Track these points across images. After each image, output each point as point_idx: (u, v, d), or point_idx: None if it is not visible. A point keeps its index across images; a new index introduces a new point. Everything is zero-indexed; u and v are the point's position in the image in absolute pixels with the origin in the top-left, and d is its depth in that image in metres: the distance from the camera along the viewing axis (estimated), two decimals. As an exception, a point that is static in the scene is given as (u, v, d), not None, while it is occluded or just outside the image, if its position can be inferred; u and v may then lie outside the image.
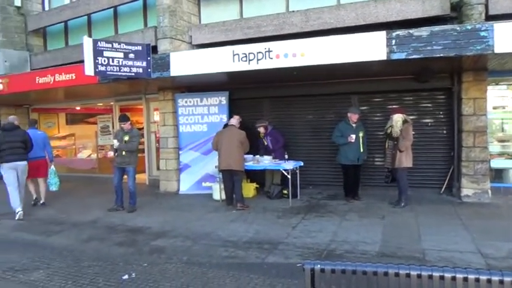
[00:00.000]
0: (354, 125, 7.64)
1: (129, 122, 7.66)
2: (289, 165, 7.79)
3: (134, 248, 5.38)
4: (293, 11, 8.89)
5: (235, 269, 4.47)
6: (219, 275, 4.31)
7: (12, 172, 7.15)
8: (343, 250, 4.98)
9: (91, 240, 5.83)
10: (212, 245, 5.38)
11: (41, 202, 8.39)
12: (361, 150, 7.58)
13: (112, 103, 11.87)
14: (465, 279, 2.05)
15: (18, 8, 12.75)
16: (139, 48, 8.17)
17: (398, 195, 7.28)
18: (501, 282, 1.98)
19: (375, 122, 8.68)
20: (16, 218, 7.08)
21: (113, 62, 7.81)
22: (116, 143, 7.54)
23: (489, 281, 2.01)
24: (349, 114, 7.71)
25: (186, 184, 9.48)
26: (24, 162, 7.36)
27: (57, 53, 12.24)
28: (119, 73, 7.91)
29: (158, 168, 10.40)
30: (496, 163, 8.06)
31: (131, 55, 8.03)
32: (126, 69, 7.96)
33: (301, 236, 5.65)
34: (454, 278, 2.07)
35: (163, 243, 5.54)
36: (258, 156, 8.25)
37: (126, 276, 4.37)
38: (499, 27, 5.95)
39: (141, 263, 4.77)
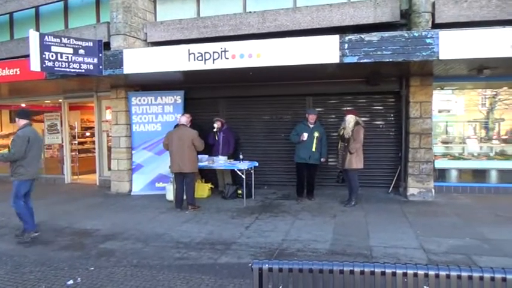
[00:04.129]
0: (311, 126, 7.79)
1: (22, 120, 5.84)
2: (244, 165, 7.80)
3: (81, 252, 5.16)
4: (250, 12, 8.91)
5: (187, 271, 4.40)
6: (169, 277, 4.23)
7: None
8: (295, 249, 5.05)
9: (34, 245, 5.52)
10: (164, 247, 5.27)
11: None
12: (313, 149, 7.71)
13: (61, 100, 11.36)
14: (404, 274, 2.13)
15: (-43, -3, 11.88)
16: (90, 44, 7.88)
17: (349, 194, 7.50)
18: (437, 276, 2.09)
19: (329, 124, 8.87)
20: None
21: (61, 57, 7.47)
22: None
23: (426, 275, 2.11)
24: (307, 115, 7.90)
25: (139, 185, 9.24)
26: None
27: (0, 47, 11.52)
28: (68, 69, 7.58)
29: (109, 169, 10.06)
30: (440, 163, 8.51)
31: (81, 51, 7.72)
32: (76, 65, 7.64)
33: (254, 235, 5.67)
34: (394, 274, 2.15)
35: (112, 246, 5.35)
36: (213, 156, 8.22)
37: (70, 282, 4.18)
38: (443, 35, 6.29)
39: (88, 267, 4.57)
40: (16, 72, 8.64)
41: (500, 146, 8.64)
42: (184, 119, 7.69)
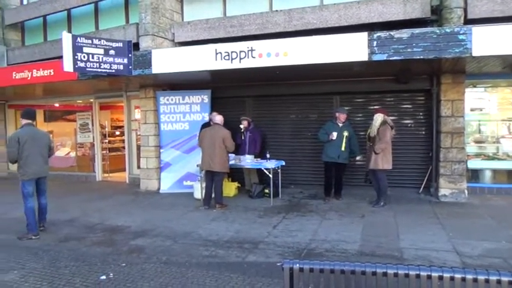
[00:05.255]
0: (340, 125, 7.71)
1: (23, 120, 6.03)
2: (271, 164, 7.79)
3: (113, 248, 5.29)
4: (276, 11, 8.89)
5: (215, 269, 4.44)
6: (198, 275, 4.28)
7: None
8: (323, 249, 5.01)
9: (68, 240, 5.70)
10: (192, 245, 5.33)
11: None
12: (343, 149, 7.62)
13: (92, 100, 11.68)
14: (440, 277, 2.08)
15: (-6, 1, 12.40)
16: (120, 44, 8.05)
17: (377, 195, 7.37)
18: (475, 280, 2.03)
19: (356, 122, 8.74)
20: None
21: (92, 58, 7.67)
22: None
23: (463, 279, 2.04)
24: (337, 114, 7.82)
25: (167, 183, 9.38)
26: None
27: (35, 48, 11.95)
28: (99, 70, 7.78)
29: (139, 167, 10.27)
30: (473, 164, 8.24)
31: (112, 52, 7.90)
32: (107, 66, 7.83)
33: (282, 235, 5.66)
34: (429, 277, 2.10)
35: (142, 243, 5.47)
36: (240, 155, 8.26)
37: (103, 277, 4.30)
38: (477, 30, 6.08)
39: (120, 263, 4.69)
40: (50, 73, 8.94)
41: (537, 146, 8.28)
42: (219, 118, 7.64)
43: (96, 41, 7.76)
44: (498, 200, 7.57)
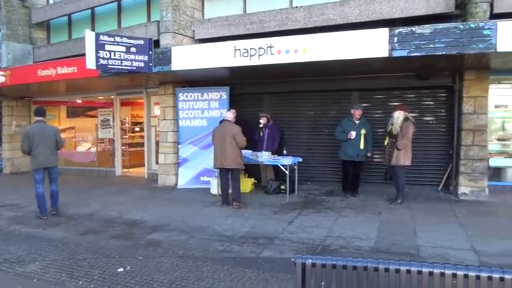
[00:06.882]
0: (356, 122, 7.63)
1: (35, 117, 7.03)
2: (287, 160, 7.77)
3: (130, 241, 5.39)
4: (296, 7, 8.85)
5: (230, 263, 4.47)
6: (213, 269, 4.32)
7: None
8: (338, 245, 4.98)
9: (87, 233, 5.84)
10: (208, 239, 5.38)
11: None
12: (361, 147, 7.54)
13: (113, 97, 11.90)
14: (454, 275, 2.04)
15: (22, 1, 12.74)
16: (141, 42, 8.17)
17: (396, 192, 7.27)
18: (489, 278, 1.98)
19: (375, 119, 8.61)
20: None
21: (114, 55, 7.82)
22: None
23: (478, 277, 2.00)
24: (352, 111, 7.74)
25: (185, 178, 9.49)
26: None
27: (60, 46, 12.25)
28: (120, 67, 7.92)
29: (157, 162, 10.42)
30: (495, 162, 8.03)
31: (133, 49, 8.03)
32: (128, 63, 7.97)
33: (297, 231, 5.65)
34: (443, 274, 2.07)
35: (159, 237, 5.55)
36: (257, 152, 8.26)
37: (121, 269, 4.38)
38: (502, 25, 5.91)
39: (137, 256, 4.78)
40: (73, 70, 9.16)
41: None
42: (230, 115, 7.61)
43: (118, 39, 7.91)
44: (521, 200, 7.36)
